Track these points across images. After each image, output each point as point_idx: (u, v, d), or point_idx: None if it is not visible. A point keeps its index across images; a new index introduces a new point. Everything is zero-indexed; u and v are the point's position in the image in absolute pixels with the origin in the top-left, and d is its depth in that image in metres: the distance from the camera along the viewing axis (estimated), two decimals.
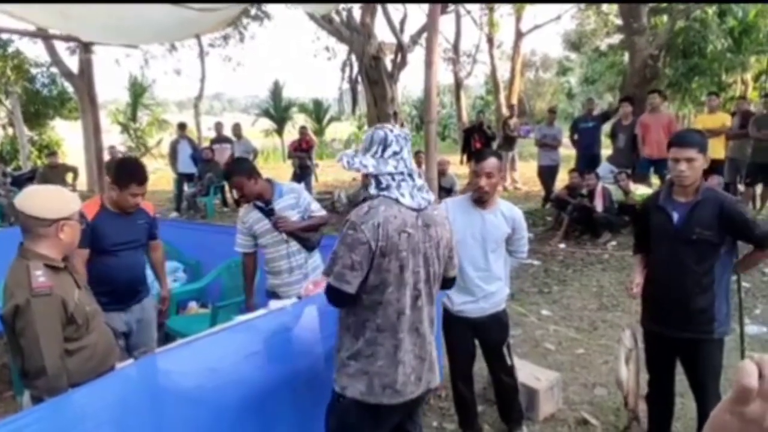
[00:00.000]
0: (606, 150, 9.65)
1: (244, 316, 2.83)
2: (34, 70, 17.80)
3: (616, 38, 19.48)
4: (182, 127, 11.94)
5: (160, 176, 14.82)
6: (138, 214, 3.29)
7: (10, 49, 16.15)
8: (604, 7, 18.41)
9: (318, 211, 3.58)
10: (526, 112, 26.73)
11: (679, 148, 2.55)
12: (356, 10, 10.49)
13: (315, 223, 3.54)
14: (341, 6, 9.89)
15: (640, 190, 7.74)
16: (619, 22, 15.75)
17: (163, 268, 3.71)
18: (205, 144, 12.70)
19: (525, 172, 13.17)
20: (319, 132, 27.80)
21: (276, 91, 29.07)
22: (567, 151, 10.72)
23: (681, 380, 2.86)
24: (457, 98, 23.14)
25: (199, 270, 5.28)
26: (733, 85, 17.58)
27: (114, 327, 3.17)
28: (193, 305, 5.02)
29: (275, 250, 3.48)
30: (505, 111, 16.23)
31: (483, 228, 2.90)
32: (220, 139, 11.73)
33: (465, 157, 11.43)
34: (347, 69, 12.06)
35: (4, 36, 14.54)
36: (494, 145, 11.31)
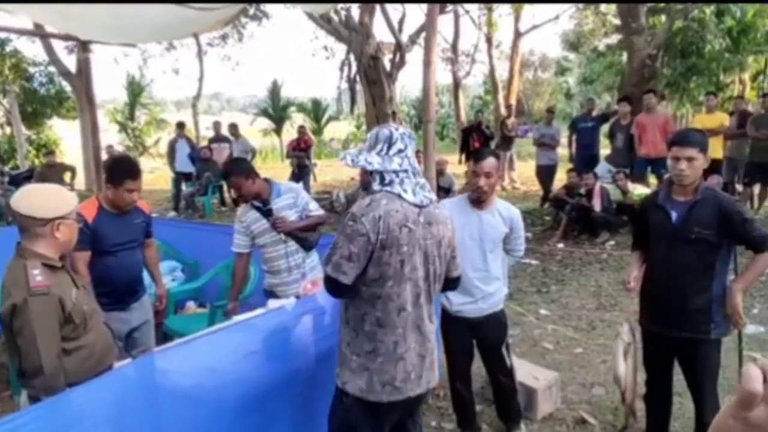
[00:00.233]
0: (604, 150, 9.66)
1: (243, 315, 2.83)
2: (31, 69, 17.79)
3: (615, 38, 19.50)
4: (181, 126, 11.92)
5: (158, 176, 14.81)
6: (135, 214, 3.30)
7: (8, 48, 16.13)
8: (603, 7, 18.42)
9: (316, 210, 3.57)
10: (525, 111, 26.78)
11: (680, 147, 2.55)
12: (355, 9, 10.48)
13: (313, 222, 3.53)
14: (340, 5, 9.89)
15: (638, 190, 7.75)
16: (617, 22, 15.76)
17: (157, 266, 3.72)
18: (204, 143, 12.69)
19: (523, 171, 13.18)
20: (318, 131, 27.81)
21: (274, 91, 29.07)
22: (565, 151, 10.73)
23: (679, 380, 2.87)
24: (456, 98, 23.15)
25: (197, 269, 5.27)
26: (731, 85, 17.63)
27: (116, 328, 3.18)
28: (191, 305, 5.01)
29: (273, 250, 3.48)
30: (503, 111, 16.22)
31: (480, 228, 2.90)
32: (218, 138, 11.72)
33: (463, 157, 11.44)
34: (346, 68, 12.04)
35: (2, 35, 14.52)
36: (492, 144, 11.32)
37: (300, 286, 3.43)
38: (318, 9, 6.83)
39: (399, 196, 2.01)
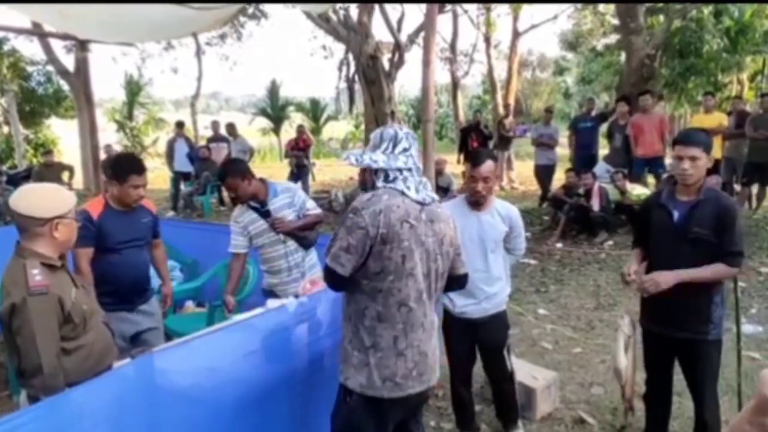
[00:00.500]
0: (603, 150, 9.67)
1: (242, 315, 2.83)
2: (29, 69, 17.77)
3: (613, 38, 19.52)
4: (180, 125, 11.90)
5: (157, 175, 14.77)
6: (141, 212, 3.30)
7: (6, 48, 16.11)
8: (601, 7, 18.44)
9: (313, 209, 3.57)
10: (523, 111, 26.79)
11: (683, 146, 2.55)
12: (353, 9, 10.49)
13: (311, 221, 3.53)
14: (338, 5, 9.89)
15: (637, 190, 7.77)
16: (615, 21, 15.79)
17: (165, 266, 3.71)
18: (202, 143, 12.68)
19: (522, 171, 13.19)
20: (316, 131, 27.83)
21: (273, 90, 29.09)
22: (564, 151, 10.74)
23: (679, 379, 2.87)
24: (454, 98, 23.18)
25: (195, 269, 5.27)
26: (729, 85, 17.64)
27: (121, 329, 3.17)
28: (189, 304, 5.01)
29: (273, 250, 3.47)
30: (502, 110, 16.23)
31: (480, 229, 2.90)
32: (216, 138, 11.70)
33: (462, 157, 11.43)
34: (344, 68, 12.06)
35: (0, 34, 14.49)
36: (491, 144, 11.32)
37: (299, 285, 3.43)
38: (316, 8, 6.83)
39: (402, 192, 2.03)
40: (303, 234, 3.49)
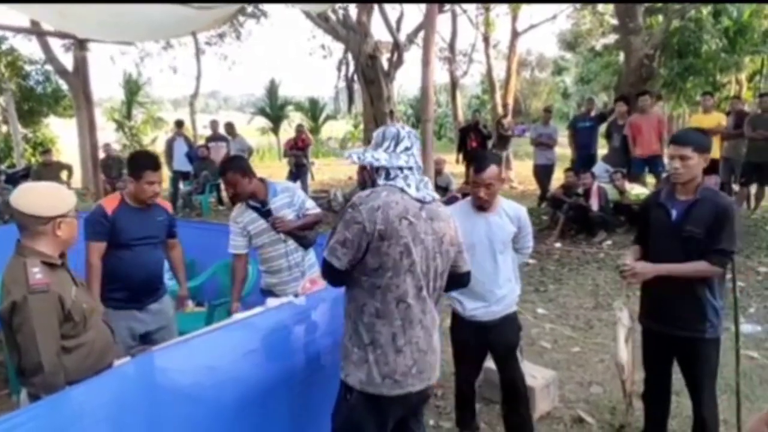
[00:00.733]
0: (602, 150, 9.69)
1: (241, 314, 2.83)
2: (28, 68, 17.73)
3: (612, 38, 19.54)
4: (179, 124, 11.89)
5: None
6: (157, 211, 3.32)
7: (4, 47, 16.08)
8: (600, 6, 18.45)
9: (313, 209, 3.57)
10: (522, 111, 26.80)
11: (675, 145, 2.59)
12: (352, 8, 10.48)
13: (311, 221, 3.53)
14: (337, 5, 9.89)
15: (636, 190, 7.78)
16: (614, 21, 15.79)
17: (182, 268, 3.70)
18: (201, 142, 12.68)
19: (521, 171, 13.20)
20: (315, 130, 27.82)
21: (272, 90, 29.07)
22: (563, 151, 10.76)
23: (677, 378, 2.88)
24: (453, 97, 23.15)
25: (194, 268, 5.26)
26: (727, 85, 17.68)
27: (130, 327, 3.18)
28: (188, 303, 5.00)
29: (273, 249, 3.47)
30: (500, 110, 16.23)
31: (489, 231, 2.86)
32: (215, 137, 11.70)
33: (461, 156, 11.45)
34: (343, 67, 12.04)
35: None
36: (489, 144, 11.33)
37: (299, 284, 3.43)
38: (316, 8, 6.82)
39: (401, 189, 2.04)
40: (302, 234, 3.49)
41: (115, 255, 3.12)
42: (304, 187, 10.23)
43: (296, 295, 2.99)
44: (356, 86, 11.48)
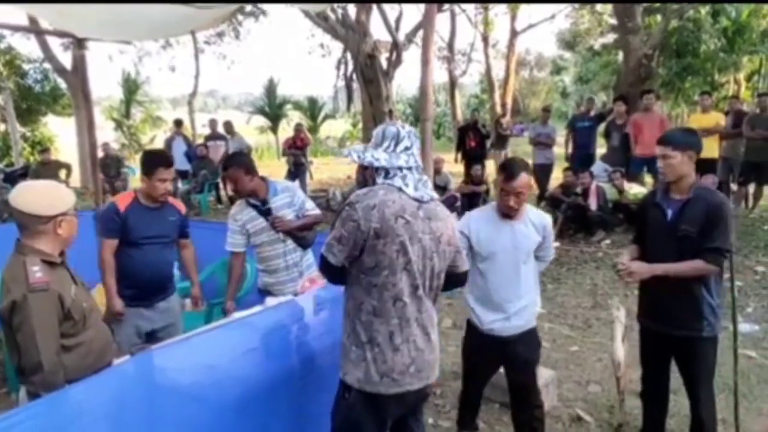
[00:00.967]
0: (601, 149, 9.69)
1: (241, 313, 2.83)
2: (26, 66, 17.71)
3: (610, 38, 19.58)
4: (179, 123, 11.88)
5: None
6: (169, 210, 3.33)
7: (2, 45, 16.05)
8: (599, 6, 18.48)
9: (312, 209, 3.57)
10: (521, 110, 26.81)
11: (657, 146, 2.66)
12: (351, 8, 10.49)
13: (310, 222, 3.53)
14: (336, 4, 9.89)
15: (634, 189, 7.78)
16: (613, 21, 15.82)
17: (194, 268, 3.70)
18: (199, 141, 12.67)
19: None
20: (314, 130, 27.79)
21: (270, 89, 29.02)
22: (561, 150, 10.75)
23: (675, 377, 2.88)
24: (452, 97, 23.21)
25: None
26: (726, 85, 17.72)
27: (136, 325, 3.20)
28: (187, 302, 4.99)
29: (271, 249, 3.47)
30: (499, 110, 16.24)
31: (514, 239, 2.77)
32: (214, 136, 11.68)
33: (459, 156, 11.45)
34: (342, 67, 12.05)
35: None
36: (488, 143, 11.33)
37: (296, 284, 3.43)
38: (315, 7, 6.82)
39: (399, 189, 2.04)
40: (302, 234, 3.49)
41: (125, 252, 3.15)
42: (303, 186, 10.22)
43: (296, 295, 2.99)
44: (355, 85, 11.50)
